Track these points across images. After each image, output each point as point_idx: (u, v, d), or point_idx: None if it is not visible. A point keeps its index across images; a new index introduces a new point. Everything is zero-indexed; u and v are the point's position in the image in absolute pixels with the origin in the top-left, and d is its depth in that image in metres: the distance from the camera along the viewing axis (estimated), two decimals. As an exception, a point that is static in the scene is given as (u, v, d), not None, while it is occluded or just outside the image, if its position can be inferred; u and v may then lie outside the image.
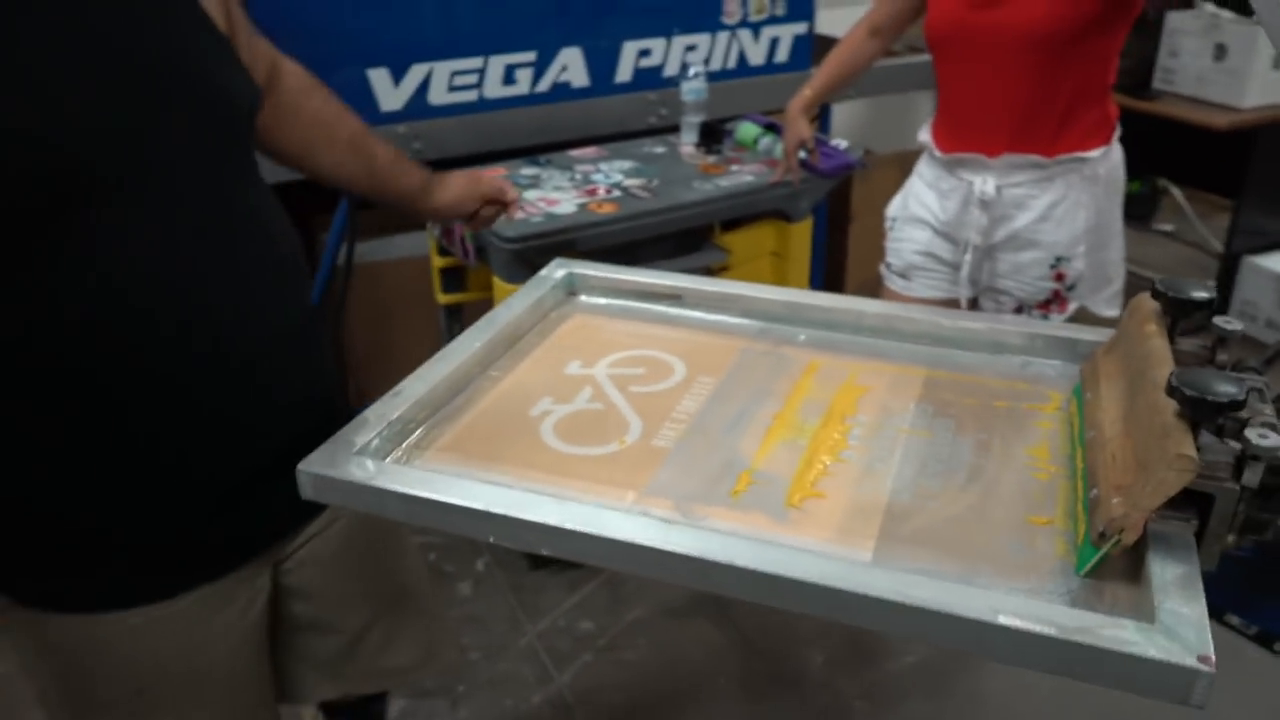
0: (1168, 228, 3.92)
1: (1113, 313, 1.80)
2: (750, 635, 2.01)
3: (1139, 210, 3.91)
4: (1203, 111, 2.99)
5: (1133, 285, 1.48)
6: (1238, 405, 0.72)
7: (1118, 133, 1.77)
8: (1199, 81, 3.07)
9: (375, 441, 0.92)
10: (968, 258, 1.82)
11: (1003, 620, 0.67)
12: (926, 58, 1.84)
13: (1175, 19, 3.10)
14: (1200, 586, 0.70)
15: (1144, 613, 0.69)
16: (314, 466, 0.88)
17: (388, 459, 0.93)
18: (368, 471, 0.87)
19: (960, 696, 1.86)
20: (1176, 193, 3.86)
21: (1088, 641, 0.65)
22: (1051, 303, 1.79)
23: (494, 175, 1.34)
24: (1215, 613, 0.89)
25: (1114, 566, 0.76)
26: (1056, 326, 1.11)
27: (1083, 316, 1.76)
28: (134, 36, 0.81)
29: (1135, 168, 1.97)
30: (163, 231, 0.85)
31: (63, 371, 0.84)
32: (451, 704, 1.85)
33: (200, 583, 1.01)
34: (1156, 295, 0.90)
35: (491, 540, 0.84)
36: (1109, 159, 1.75)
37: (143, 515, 0.91)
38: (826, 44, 3.07)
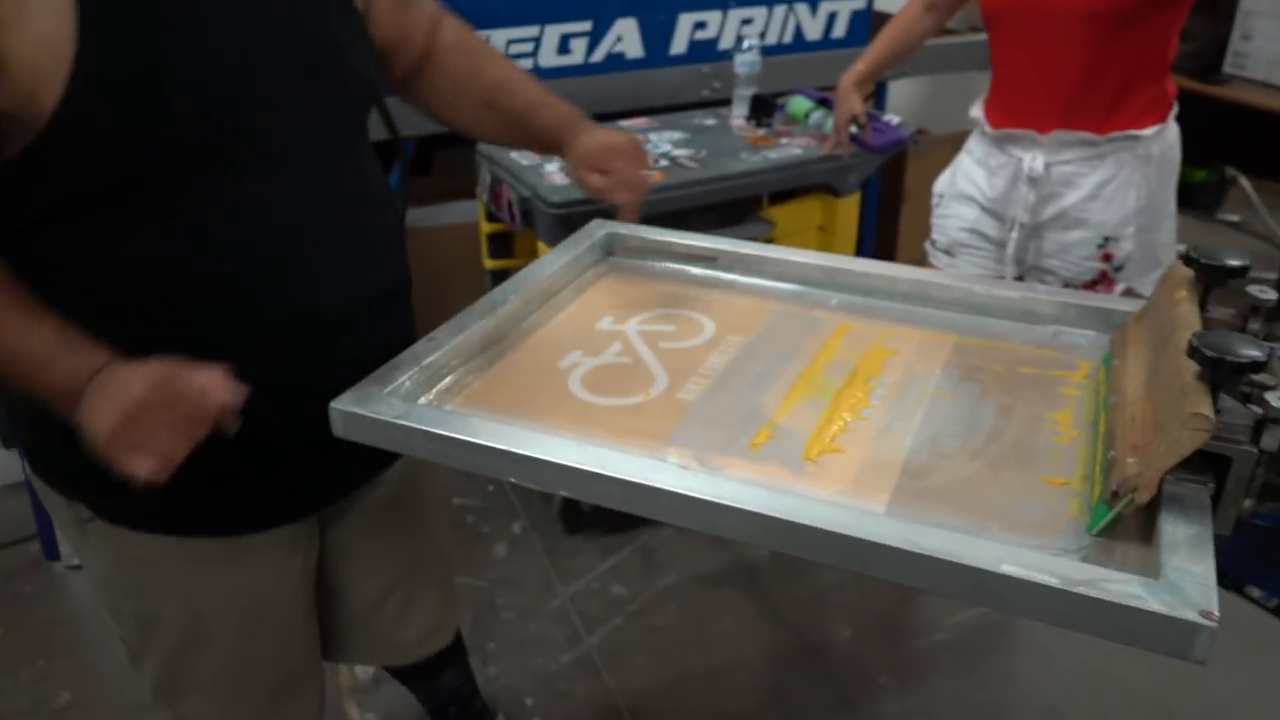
0: (1234, 218, 3.81)
1: (1162, 296, 1.76)
2: (779, 606, 2.02)
3: (1205, 199, 3.81)
4: (1273, 96, 2.90)
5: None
6: (1259, 366, 0.71)
7: (1174, 111, 1.73)
8: (1271, 66, 2.98)
9: (407, 384, 0.95)
10: (1014, 235, 1.79)
11: (1005, 569, 0.67)
12: (985, 37, 1.82)
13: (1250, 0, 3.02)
14: (1210, 547, 0.69)
15: (1151, 570, 0.69)
16: (345, 404, 0.91)
17: (419, 401, 0.96)
18: (396, 410, 0.90)
19: (988, 675, 1.85)
20: (1245, 182, 3.75)
21: (1091, 594, 0.66)
22: (1098, 283, 1.76)
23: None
24: (1236, 585, 0.89)
25: (1127, 527, 0.76)
26: (1089, 296, 1.10)
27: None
28: (274, 13, 0.87)
29: (1202, 155, 1.92)
30: (275, 193, 0.89)
31: (182, 314, 0.88)
32: (482, 661, 1.89)
33: (278, 524, 1.05)
34: (1189, 262, 0.89)
35: (514, 480, 0.86)
36: (1164, 138, 1.71)
37: (243, 453, 0.93)
38: (884, 20, 3.03)
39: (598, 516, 2.21)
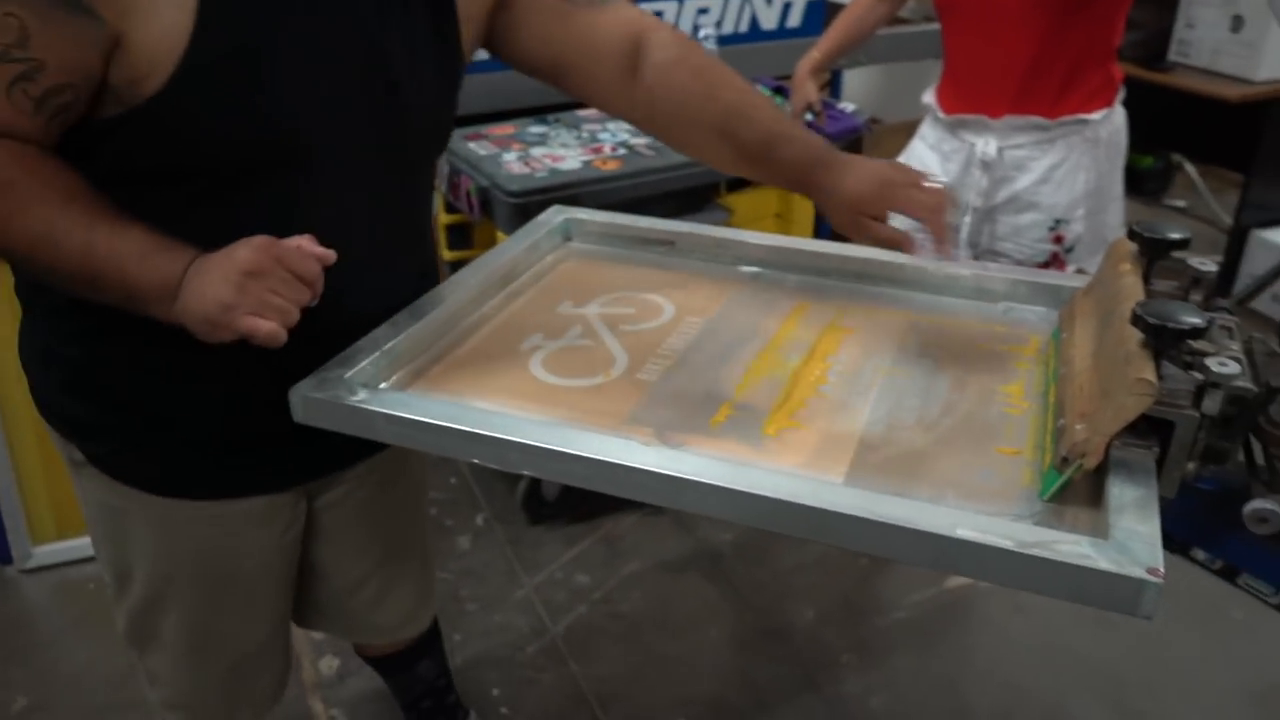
0: (1180, 203, 3.90)
1: (1111, 276, 1.80)
2: (742, 590, 2.04)
3: (1152, 186, 3.89)
4: (1216, 83, 2.97)
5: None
6: (1199, 333, 0.73)
7: (1121, 96, 1.77)
8: (1214, 54, 3.04)
9: (368, 369, 0.95)
10: (966, 219, 1.82)
11: (961, 533, 0.69)
12: (938, 26, 1.84)
13: (1192, -10, 3.08)
14: (1155, 508, 0.72)
15: (1100, 531, 0.71)
16: (306, 389, 0.91)
17: (380, 386, 0.95)
18: (358, 395, 0.89)
19: (947, 651, 1.89)
20: (1190, 169, 3.84)
21: (1043, 555, 0.67)
22: (1050, 265, 1.80)
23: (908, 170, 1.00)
24: (1182, 549, 0.91)
25: (1077, 492, 0.78)
26: (1039, 274, 1.13)
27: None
28: (354, 47, 0.90)
29: (1149, 142, 1.97)
30: (323, 206, 0.92)
31: None
32: (448, 652, 1.89)
33: (258, 493, 1.06)
34: (1133, 236, 0.92)
35: (477, 461, 0.87)
36: (1111, 122, 1.75)
37: (232, 418, 0.98)
38: (839, 10, 3.06)
39: (561, 506, 2.22)
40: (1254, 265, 3.06)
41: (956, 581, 2.04)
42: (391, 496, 1.26)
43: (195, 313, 0.82)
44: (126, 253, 0.81)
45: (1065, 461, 0.77)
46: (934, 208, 0.95)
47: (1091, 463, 0.75)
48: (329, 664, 1.85)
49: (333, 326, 0.94)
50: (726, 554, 2.14)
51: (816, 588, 2.05)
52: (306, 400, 0.90)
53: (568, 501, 2.21)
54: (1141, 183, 3.77)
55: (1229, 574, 0.90)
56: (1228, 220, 3.39)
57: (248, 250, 0.81)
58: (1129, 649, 1.85)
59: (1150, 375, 0.72)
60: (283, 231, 0.85)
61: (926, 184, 0.96)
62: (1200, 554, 0.90)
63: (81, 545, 2.13)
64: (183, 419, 0.99)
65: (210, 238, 0.84)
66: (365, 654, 1.50)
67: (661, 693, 1.80)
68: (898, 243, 0.98)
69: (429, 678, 1.53)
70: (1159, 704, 1.76)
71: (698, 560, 2.12)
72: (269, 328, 0.81)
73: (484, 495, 2.32)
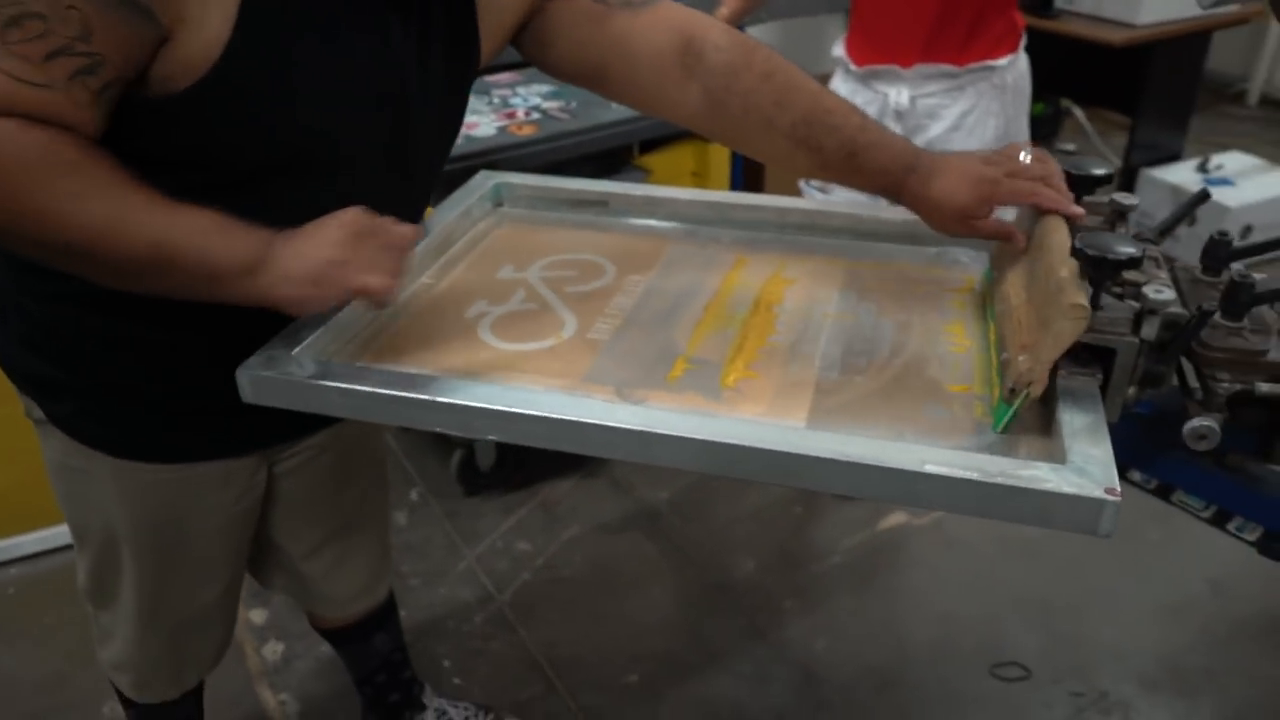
0: (1070, 147, 4.04)
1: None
2: (683, 546, 2.07)
3: (1043, 131, 4.02)
4: (1101, 29, 3.08)
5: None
6: (1136, 262, 0.77)
7: (1023, 41, 1.82)
8: (1098, 0, 3.16)
9: (314, 344, 0.93)
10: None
11: (929, 469, 0.71)
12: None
13: (1074, -62, 3.18)
14: (1105, 431, 0.75)
15: (1057, 457, 0.74)
16: (253, 368, 0.88)
17: (329, 361, 0.93)
18: (308, 370, 0.88)
19: (883, 590, 1.95)
20: (1078, 113, 3.99)
21: (1007, 483, 0.70)
22: (963, 209, 1.85)
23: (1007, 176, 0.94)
24: (1120, 471, 0.96)
25: (1027, 422, 0.81)
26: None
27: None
28: (372, 65, 0.90)
29: (1039, 89, 2.03)
30: (336, 202, 0.89)
31: None
32: (393, 628, 1.87)
33: (212, 458, 1.06)
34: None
35: (438, 430, 0.86)
36: (1016, 67, 1.81)
37: (188, 382, 0.99)
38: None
39: (495, 476, 2.21)
40: (1146, 202, 3.21)
41: (888, 523, 2.11)
42: (349, 465, 1.26)
43: (297, 274, 0.82)
44: (205, 229, 0.81)
45: (1013, 393, 0.80)
46: (1043, 179, 0.92)
47: (1037, 390, 0.78)
48: (273, 649, 1.82)
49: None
50: (664, 512, 2.16)
51: (754, 539, 2.09)
52: (255, 379, 0.88)
53: (502, 471, 2.20)
54: (1034, 129, 3.88)
55: (1163, 493, 0.95)
56: (1117, 161, 3.54)
57: (354, 214, 0.85)
58: (1054, 574, 1.95)
59: (1083, 300, 0.75)
60: (283, 225, 0.85)
61: (1024, 161, 0.94)
62: (1136, 475, 0.95)
63: (2, 547, 2.05)
64: (141, 385, 0.98)
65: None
66: (319, 625, 1.49)
67: (612, 652, 1.82)
68: (1005, 235, 0.95)
69: (384, 651, 1.52)
70: (1084, 625, 1.85)
71: (636, 520, 2.14)
72: (381, 284, 0.84)
73: (416, 470, 2.29)
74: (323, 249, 0.83)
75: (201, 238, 0.81)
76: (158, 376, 0.99)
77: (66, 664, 1.78)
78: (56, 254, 0.80)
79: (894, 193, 0.99)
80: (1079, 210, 0.91)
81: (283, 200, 0.89)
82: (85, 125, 0.78)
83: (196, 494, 1.09)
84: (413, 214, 1.05)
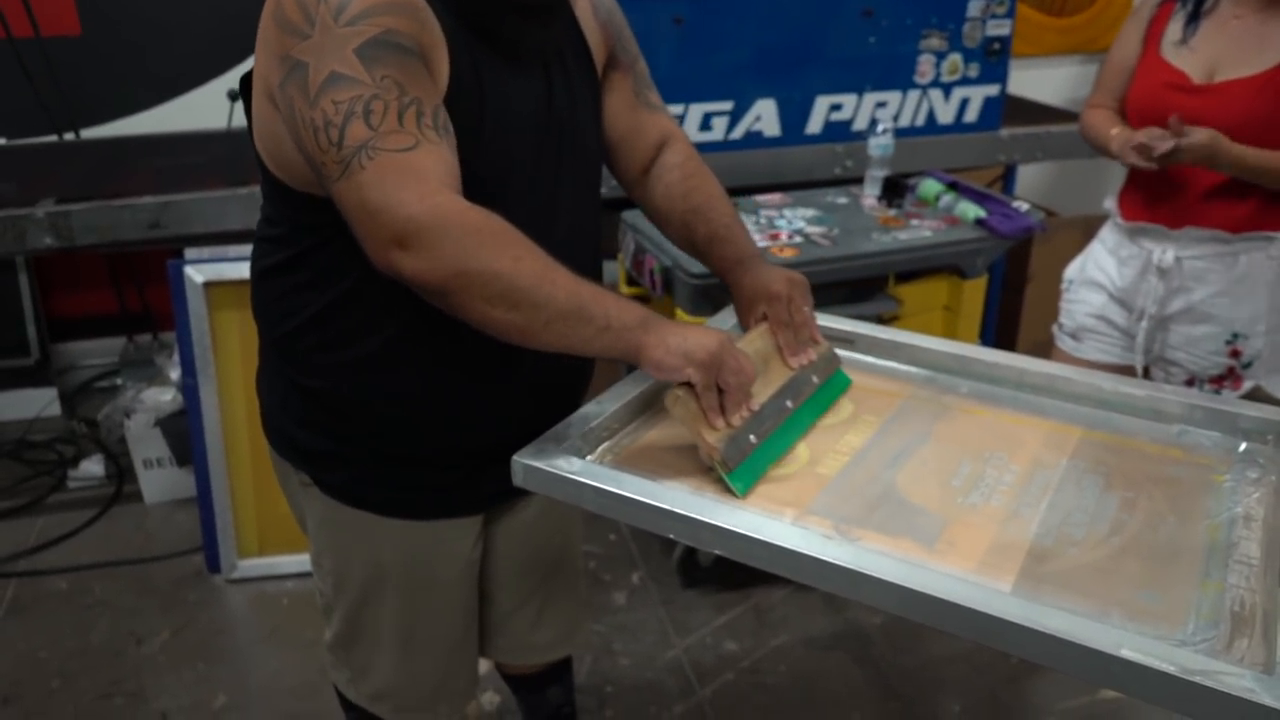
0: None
1: (1292, 395, 1.78)
2: (889, 676, 2.06)
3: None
4: None
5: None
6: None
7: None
8: None
9: (577, 442, 1.07)
10: (1144, 325, 1.84)
11: (1125, 653, 0.74)
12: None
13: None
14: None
15: (1267, 668, 0.75)
16: (527, 457, 1.03)
17: (587, 458, 1.07)
18: (573, 466, 1.02)
19: (1099, 764, 1.86)
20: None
21: (1204, 683, 0.72)
22: (1225, 379, 1.79)
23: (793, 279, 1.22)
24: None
25: (1252, 626, 0.82)
26: (1214, 399, 1.15)
27: (1259, 396, 1.75)
28: (547, 107, 1.12)
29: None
30: (521, 220, 1.05)
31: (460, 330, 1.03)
32: (599, 703, 1.99)
33: (456, 515, 1.25)
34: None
35: (672, 536, 0.97)
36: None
37: (443, 458, 1.18)
38: (1018, 104, 3.09)
39: (713, 573, 2.30)
40: None
41: (1111, 693, 2.00)
42: (551, 518, 1.39)
43: (674, 346, 0.98)
44: (595, 287, 0.98)
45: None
46: (792, 322, 1.18)
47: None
48: (490, 701, 1.98)
49: (541, 386, 1.17)
50: (875, 638, 2.17)
51: (965, 682, 2.05)
52: (526, 468, 1.03)
53: (720, 568, 2.29)
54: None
55: None
56: None
57: (722, 335, 1.01)
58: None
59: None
60: None
61: (801, 307, 1.19)
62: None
63: (279, 563, 2.36)
64: (405, 454, 1.17)
65: None
66: (504, 671, 1.62)
67: (803, 768, 1.84)
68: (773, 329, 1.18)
69: (556, 702, 1.63)
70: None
71: (846, 640, 2.16)
72: (735, 403, 1.03)
73: (641, 554, 2.42)
74: (699, 337, 0.98)
75: (601, 294, 0.97)
76: (423, 436, 1.16)
77: (320, 677, 2.01)
78: (498, 306, 0.94)
79: (725, 277, 1.25)
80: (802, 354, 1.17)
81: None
82: (457, 164, 0.96)
83: (442, 542, 1.25)
84: (585, 225, 1.21)
